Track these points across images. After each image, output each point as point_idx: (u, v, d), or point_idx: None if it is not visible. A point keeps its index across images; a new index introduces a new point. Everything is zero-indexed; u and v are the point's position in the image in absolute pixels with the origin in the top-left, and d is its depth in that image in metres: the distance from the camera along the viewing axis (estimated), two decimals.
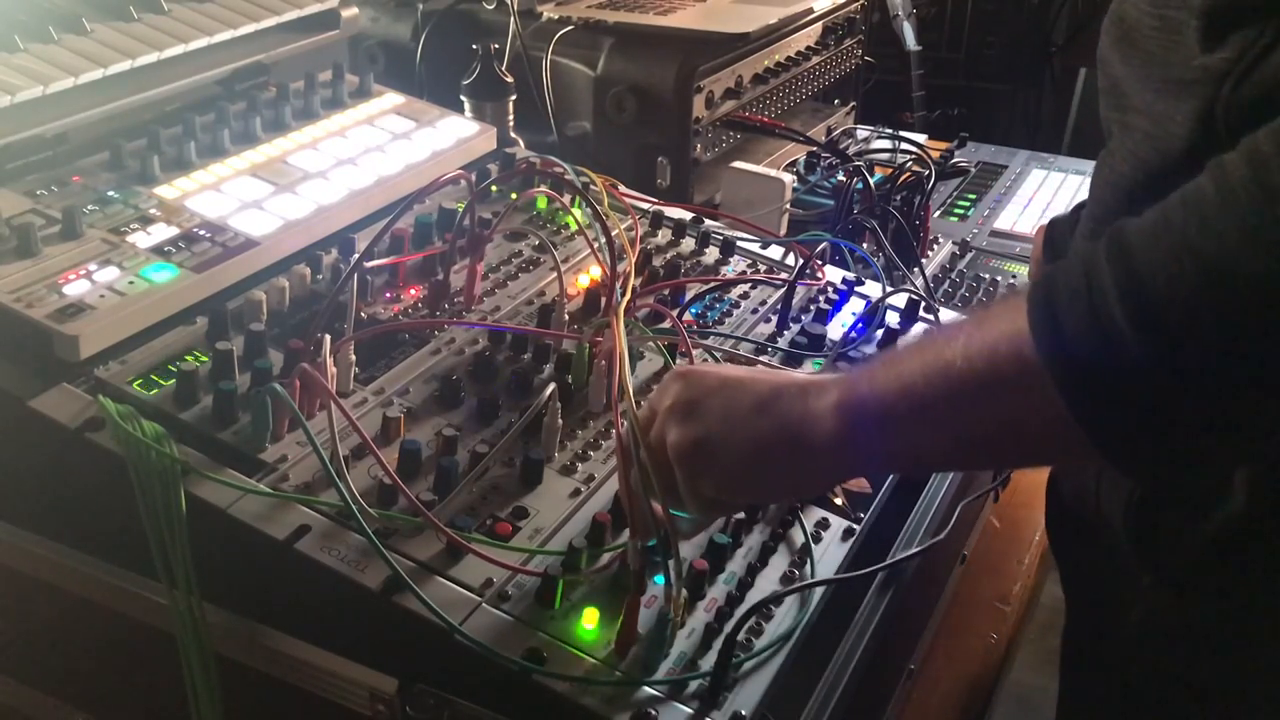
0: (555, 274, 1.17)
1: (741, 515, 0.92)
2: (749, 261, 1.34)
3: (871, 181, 1.58)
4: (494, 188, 1.32)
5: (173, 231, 1.10)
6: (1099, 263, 0.61)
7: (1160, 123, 0.79)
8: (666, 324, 1.11)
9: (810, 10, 1.93)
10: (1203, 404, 0.59)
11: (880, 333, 1.21)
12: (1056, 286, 0.63)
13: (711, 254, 1.33)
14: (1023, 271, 1.58)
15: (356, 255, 1.11)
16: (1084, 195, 0.97)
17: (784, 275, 1.29)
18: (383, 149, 1.31)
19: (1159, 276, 0.59)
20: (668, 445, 0.78)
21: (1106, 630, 0.94)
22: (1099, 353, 0.60)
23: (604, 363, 1.02)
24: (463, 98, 1.61)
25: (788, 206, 1.58)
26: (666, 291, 1.20)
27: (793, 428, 0.74)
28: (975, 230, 1.71)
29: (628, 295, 1.07)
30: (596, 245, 1.20)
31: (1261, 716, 0.84)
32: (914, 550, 0.97)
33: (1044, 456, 0.70)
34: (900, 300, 1.27)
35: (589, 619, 0.82)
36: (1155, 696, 0.90)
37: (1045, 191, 1.85)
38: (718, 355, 1.13)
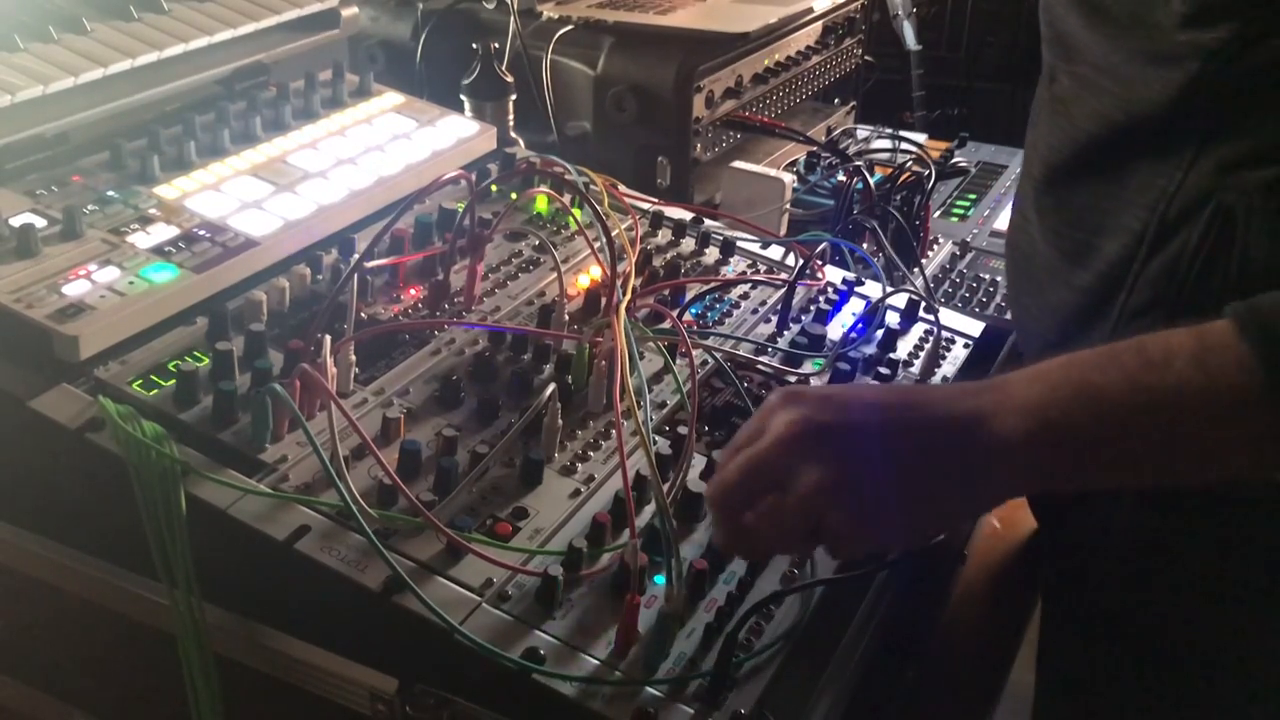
0: (555, 274, 1.17)
1: None
2: (749, 262, 1.34)
3: (871, 181, 1.58)
4: (494, 188, 1.32)
5: (173, 231, 1.10)
6: None
7: (1131, 86, 0.82)
8: (666, 324, 1.11)
9: (810, 10, 1.93)
10: None
11: (880, 333, 1.21)
12: (1264, 310, 0.66)
13: (711, 254, 1.33)
14: None
15: (356, 255, 1.11)
16: None
17: (784, 275, 1.29)
18: (383, 149, 1.31)
19: None
20: (806, 486, 0.72)
21: (1089, 552, 0.95)
22: None
23: (604, 363, 1.02)
24: (463, 97, 1.61)
25: (788, 206, 1.58)
26: (666, 292, 1.20)
27: (970, 449, 0.71)
28: (975, 230, 1.71)
29: (628, 295, 1.07)
30: (596, 245, 1.20)
31: (1243, 618, 0.87)
32: (914, 550, 0.97)
33: (1230, 470, 0.71)
34: (900, 300, 1.27)
35: (589, 618, 0.81)
36: (1138, 610, 0.92)
37: None
38: (717, 355, 1.13)
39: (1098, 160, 0.87)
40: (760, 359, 1.15)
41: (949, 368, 1.20)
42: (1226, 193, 0.77)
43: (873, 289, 1.29)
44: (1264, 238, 0.76)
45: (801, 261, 1.27)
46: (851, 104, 2.19)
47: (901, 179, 1.60)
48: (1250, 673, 0.89)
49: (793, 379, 1.13)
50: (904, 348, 1.21)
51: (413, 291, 1.15)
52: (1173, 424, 0.67)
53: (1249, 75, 0.75)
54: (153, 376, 0.96)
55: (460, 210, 1.20)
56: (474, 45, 1.62)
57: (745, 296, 1.26)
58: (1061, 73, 0.90)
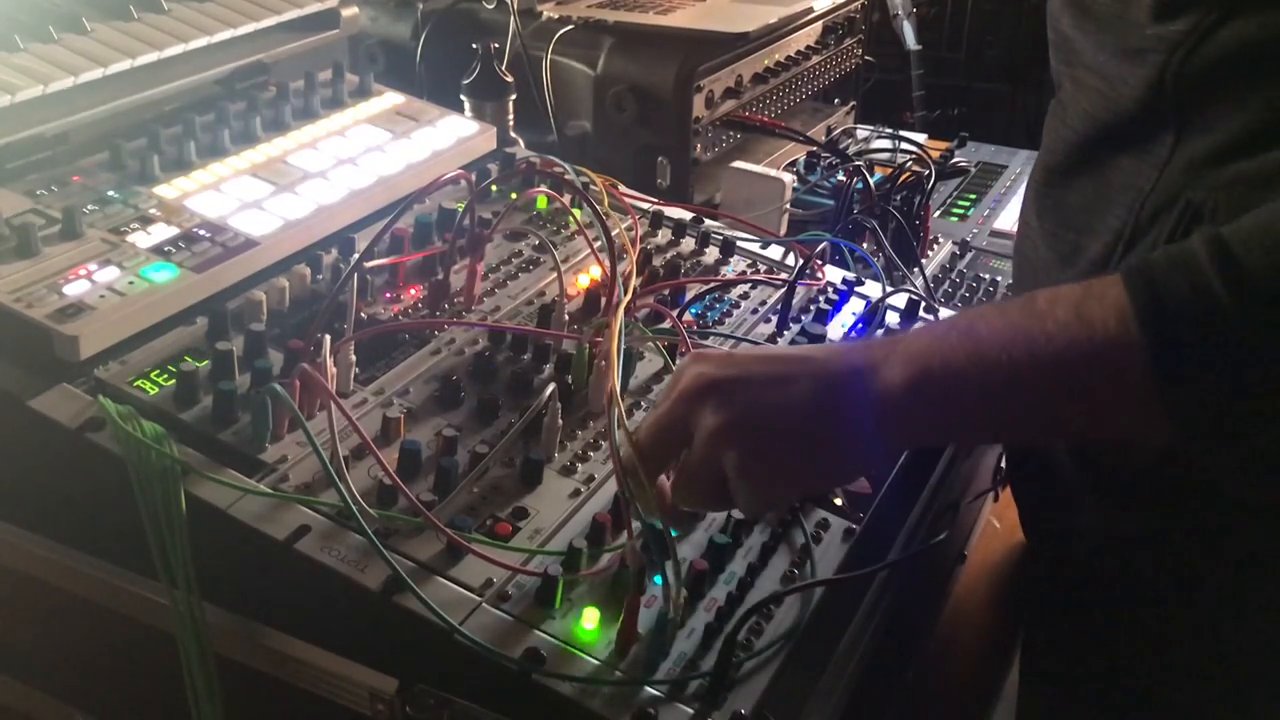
0: (555, 274, 1.17)
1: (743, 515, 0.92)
2: (749, 261, 1.34)
3: (871, 181, 1.59)
4: (494, 188, 1.32)
5: (173, 231, 1.10)
6: (1194, 249, 0.64)
7: (1113, 84, 0.83)
8: (666, 324, 1.11)
9: (810, 10, 1.93)
10: None
11: (880, 333, 1.21)
12: (1153, 265, 0.65)
13: (711, 254, 1.33)
14: None
15: (356, 255, 1.11)
16: None
17: (784, 275, 1.29)
18: (383, 149, 1.31)
19: (1255, 254, 0.62)
20: (703, 432, 0.75)
21: (1061, 553, 0.96)
22: (1196, 320, 0.62)
23: (604, 363, 1.02)
24: (463, 97, 1.61)
25: (788, 206, 1.58)
26: (666, 291, 1.20)
27: (856, 395, 0.72)
28: (975, 230, 1.71)
29: (628, 295, 1.07)
30: (596, 245, 1.20)
31: (1208, 614, 0.87)
32: (914, 550, 0.97)
33: (1111, 430, 0.71)
34: (900, 300, 1.27)
35: (589, 619, 0.82)
36: (1109, 608, 0.92)
37: None
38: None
39: (1088, 160, 0.87)
40: None
41: None
42: (1195, 190, 0.77)
43: (873, 289, 1.29)
44: None
45: (801, 261, 1.27)
46: (851, 104, 2.19)
47: (901, 179, 1.60)
48: (1229, 672, 0.89)
49: None
50: None
51: (413, 291, 1.15)
52: (1050, 373, 0.67)
53: (1210, 66, 0.75)
54: (153, 376, 0.96)
55: (460, 210, 1.20)
56: (474, 45, 1.62)
57: (745, 296, 1.26)
58: (1064, 77, 0.91)
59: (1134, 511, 0.87)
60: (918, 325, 0.75)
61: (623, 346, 0.96)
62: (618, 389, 0.83)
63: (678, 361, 0.79)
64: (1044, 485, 0.98)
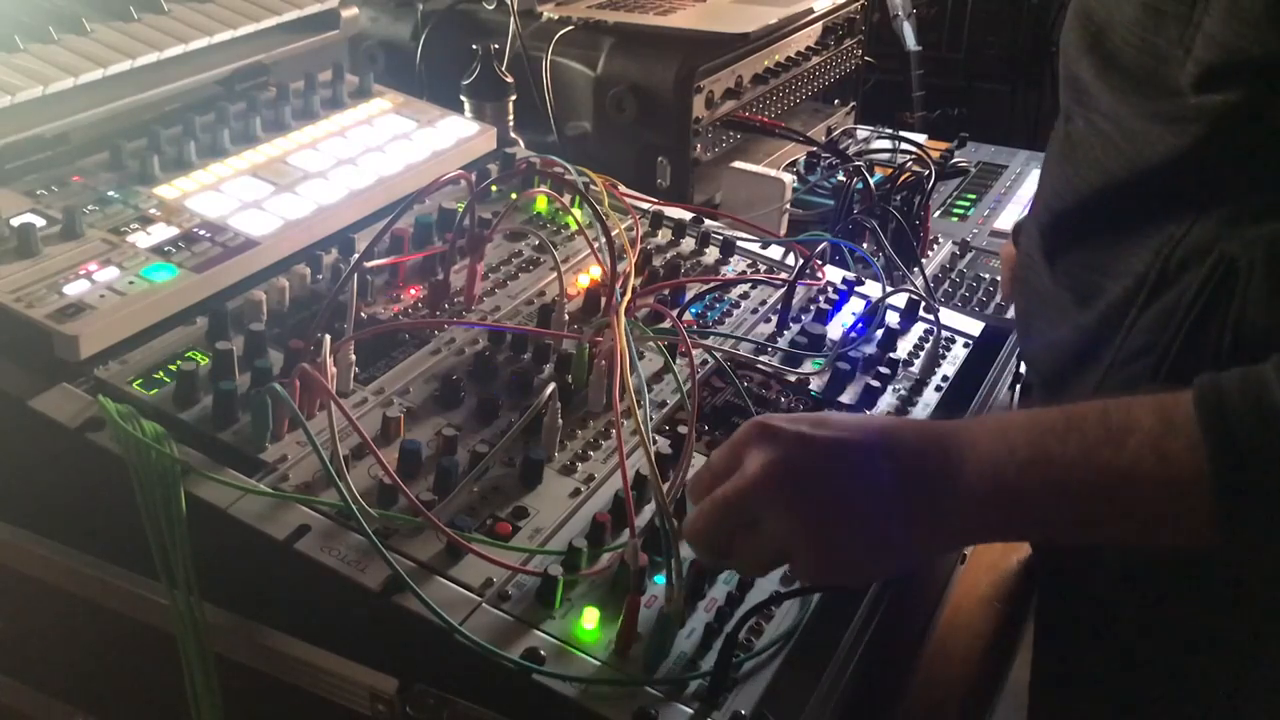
0: (555, 274, 1.17)
1: None
2: (749, 261, 1.34)
3: (871, 181, 1.58)
4: (494, 188, 1.32)
5: (173, 231, 1.10)
6: (1269, 381, 0.64)
7: (1136, 143, 0.81)
8: (666, 324, 1.11)
9: (810, 10, 1.93)
10: None
11: (880, 332, 1.21)
12: (1228, 391, 0.65)
13: (711, 254, 1.33)
14: None
15: (356, 255, 1.11)
16: None
17: (784, 275, 1.29)
18: (383, 149, 1.31)
19: None
20: (777, 521, 0.73)
21: (1084, 578, 0.95)
22: (1267, 464, 0.64)
23: (604, 363, 1.02)
24: (463, 98, 1.61)
25: (788, 206, 1.58)
26: (666, 291, 1.20)
27: (932, 497, 0.72)
28: (975, 230, 1.71)
29: (628, 295, 1.07)
30: (596, 245, 1.20)
31: (1233, 661, 0.87)
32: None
33: (1182, 544, 0.72)
34: (900, 300, 1.27)
35: (589, 619, 0.82)
36: (1125, 651, 0.92)
37: None
38: (717, 355, 1.13)
39: (1104, 211, 0.86)
40: (760, 359, 1.15)
41: (949, 367, 1.20)
42: (1231, 243, 0.76)
43: (873, 289, 1.29)
44: (1264, 293, 0.75)
45: (801, 261, 1.27)
46: (851, 104, 2.19)
47: (901, 179, 1.60)
48: (1239, 674, 0.89)
49: (792, 379, 1.13)
50: (904, 347, 1.21)
51: (413, 291, 1.15)
52: (1123, 502, 0.68)
53: (1259, 137, 0.74)
54: (153, 376, 0.96)
55: (460, 210, 1.20)
56: (474, 46, 1.62)
57: (745, 296, 1.26)
58: (1077, 115, 0.89)
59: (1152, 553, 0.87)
60: (986, 422, 0.75)
61: (623, 347, 0.96)
62: (631, 390, 0.82)
63: (741, 427, 0.78)
64: None
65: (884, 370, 1.15)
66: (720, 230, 1.37)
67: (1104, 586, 0.91)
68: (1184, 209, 0.79)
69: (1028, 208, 1.77)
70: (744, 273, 1.31)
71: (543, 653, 0.78)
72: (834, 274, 1.33)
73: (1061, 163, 0.91)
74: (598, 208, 1.15)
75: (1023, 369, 1.25)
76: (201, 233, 1.10)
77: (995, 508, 0.71)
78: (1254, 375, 0.66)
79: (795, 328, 1.21)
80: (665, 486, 0.82)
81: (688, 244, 1.34)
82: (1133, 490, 0.67)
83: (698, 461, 0.97)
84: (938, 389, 1.16)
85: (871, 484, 0.72)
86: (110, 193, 1.14)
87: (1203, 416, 0.65)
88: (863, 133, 1.96)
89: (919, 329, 1.25)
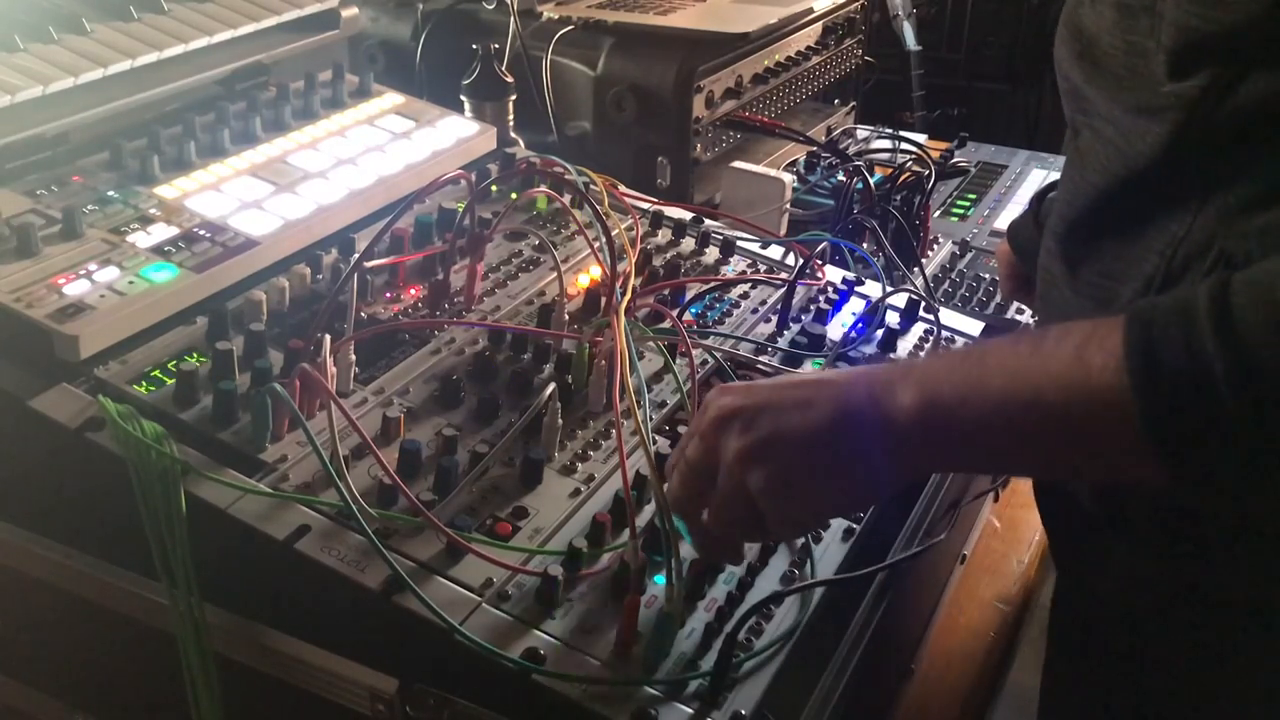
0: (555, 274, 1.17)
1: None
2: (749, 261, 1.34)
3: (871, 181, 1.58)
4: (494, 188, 1.32)
5: (173, 231, 1.10)
6: (1196, 302, 0.63)
7: (1129, 139, 0.82)
8: (666, 324, 1.11)
9: (810, 10, 1.93)
10: None
11: (880, 332, 1.21)
12: (1155, 314, 0.65)
13: (711, 254, 1.33)
14: None
15: (356, 255, 1.11)
16: None
17: (784, 275, 1.29)
18: (383, 149, 1.31)
19: (1262, 345, 0.61)
20: (729, 457, 0.76)
21: (1091, 594, 0.95)
22: (1187, 385, 0.62)
23: (604, 363, 1.02)
24: (463, 98, 1.61)
25: (788, 206, 1.58)
26: (666, 291, 1.20)
27: (869, 419, 0.73)
28: (975, 230, 1.71)
29: (628, 295, 1.07)
30: (596, 245, 1.20)
31: (1243, 668, 0.86)
32: (914, 550, 0.97)
33: (1107, 474, 0.73)
34: (900, 300, 1.27)
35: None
36: (1138, 656, 0.91)
37: None
38: (717, 355, 1.13)
39: (1111, 213, 0.87)
40: (760, 359, 1.15)
41: None
42: (1228, 239, 0.76)
43: (873, 289, 1.29)
44: None
45: (801, 261, 1.27)
46: (851, 104, 2.19)
47: (901, 179, 1.60)
48: (1249, 680, 0.89)
49: None
50: (904, 347, 1.21)
51: (413, 291, 1.15)
52: (1048, 414, 0.67)
53: (1231, 121, 0.74)
54: (153, 376, 0.96)
55: (460, 210, 1.20)
56: (474, 46, 1.62)
57: (745, 296, 1.26)
58: (1081, 125, 0.91)
59: (1163, 558, 0.86)
60: (941, 349, 0.76)
61: (623, 347, 0.96)
62: (631, 391, 0.83)
63: (705, 396, 0.81)
64: (1069, 521, 0.97)
65: None
66: (720, 230, 1.37)
67: (1115, 588, 0.92)
68: (1182, 207, 0.80)
69: (1026, 207, 1.78)
70: (744, 273, 1.31)
71: (543, 653, 0.78)
72: (834, 274, 1.33)
73: (1072, 173, 0.92)
74: (598, 208, 1.15)
75: None
76: (201, 233, 1.10)
77: (930, 422, 0.71)
78: (1183, 294, 0.65)
79: (795, 328, 1.21)
80: (665, 486, 0.82)
81: (688, 244, 1.34)
82: (1058, 402, 0.66)
83: None
84: None
85: (809, 402, 0.75)
86: (110, 193, 1.14)
87: (1128, 327, 0.65)
88: (863, 133, 1.96)
89: (919, 329, 1.25)
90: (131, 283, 1.01)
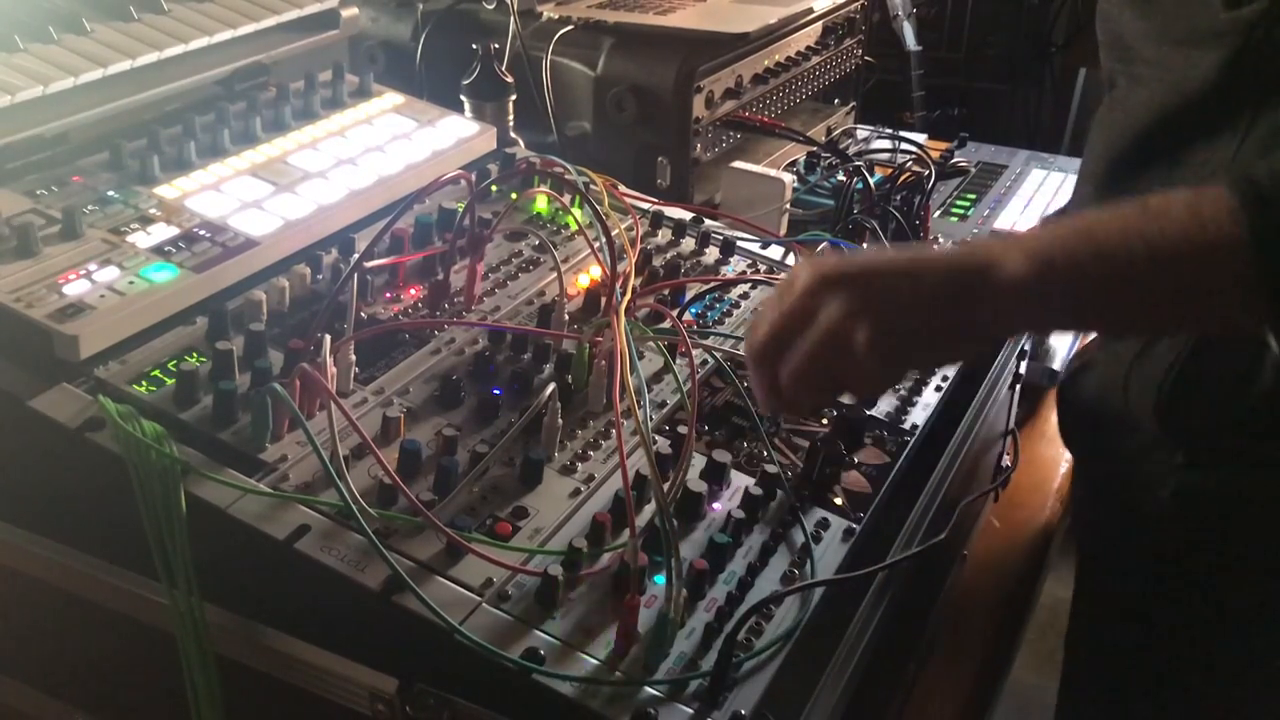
0: (555, 274, 1.17)
1: (743, 515, 0.92)
2: (749, 261, 1.34)
3: (871, 181, 1.58)
4: (494, 188, 1.32)
5: (173, 231, 1.10)
6: None
7: (1178, 71, 0.86)
8: (666, 324, 1.11)
9: (810, 10, 1.93)
10: None
11: None
12: (1256, 172, 0.69)
13: (711, 254, 1.33)
14: None
15: (356, 255, 1.11)
16: None
17: (784, 275, 1.29)
18: (383, 149, 1.31)
19: None
20: (835, 314, 0.77)
21: (1134, 515, 0.97)
22: None
23: (604, 363, 1.02)
24: (463, 98, 1.61)
25: (788, 206, 1.58)
26: (666, 291, 1.20)
27: (979, 287, 0.75)
28: (975, 230, 1.71)
29: (628, 295, 1.07)
30: (596, 245, 1.20)
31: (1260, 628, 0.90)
32: (914, 550, 0.97)
33: (1216, 325, 0.78)
34: None
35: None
36: (1187, 569, 0.94)
37: (1045, 191, 1.85)
38: (717, 355, 1.13)
39: (1156, 146, 0.90)
40: None
41: (948, 368, 1.20)
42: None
43: None
44: None
45: None
46: (851, 104, 2.19)
47: (901, 179, 1.60)
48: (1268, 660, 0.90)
49: None
50: None
51: (413, 291, 1.15)
52: (1167, 265, 0.71)
53: None
54: (153, 376, 0.96)
55: (460, 210, 1.20)
56: (474, 46, 1.62)
57: (745, 296, 1.26)
58: (1119, 75, 0.94)
59: (1224, 473, 0.89)
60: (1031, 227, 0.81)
61: (623, 347, 0.96)
62: (631, 390, 0.83)
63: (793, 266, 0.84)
64: (1113, 438, 1.00)
65: None
66: (720, 230, 1.37)
67: (1139, 566, 0.93)
68: (1230, 130, 0.84)
69: (1026, 207, 1.78)
70: (744, 273, 1.31)
71: (543, 653, 0.78)
72: None
73: (1110, 120, 0.97)
74: (598, 208, 1.15)
75: (1023, 369, 1.25)
76: (201, 233, 1.10)
77: (1045, 285, 0.74)
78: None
79: None
80: (665, 486, 0.82)
81: (688, 244, 1.34)
82: (1174, 253, 0.70)
83: (698, 461, 0.97)
84: (937, 389, 1.16)
85: (918, 275, 0.77)
86: (110, 193, 1.14)
87: (1233, 184, 0.69)
88: (863, 133, 1.96)
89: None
90: (131, 283, 1.01)
